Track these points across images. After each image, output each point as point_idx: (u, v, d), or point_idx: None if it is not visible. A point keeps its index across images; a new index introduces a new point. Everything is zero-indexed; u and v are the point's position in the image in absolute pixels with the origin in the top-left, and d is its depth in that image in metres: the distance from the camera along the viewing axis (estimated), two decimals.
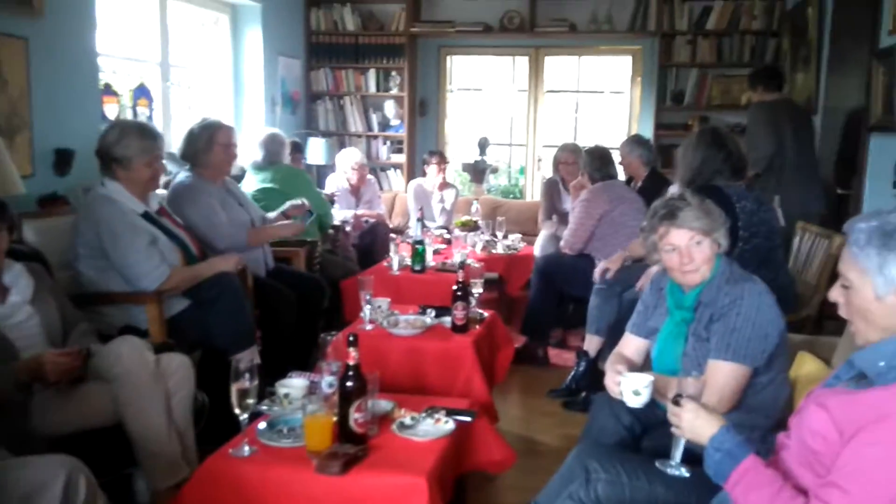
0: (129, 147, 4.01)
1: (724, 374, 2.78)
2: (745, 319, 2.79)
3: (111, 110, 5.43)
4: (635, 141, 6.32)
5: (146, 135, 4.11)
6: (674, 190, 4.70)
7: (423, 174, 7.71)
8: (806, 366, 3.09)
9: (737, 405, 2.81)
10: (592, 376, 4.91)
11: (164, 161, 4.41)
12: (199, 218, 4.64)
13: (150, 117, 5.93)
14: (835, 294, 2.05)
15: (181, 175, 4.87)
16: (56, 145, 4.72)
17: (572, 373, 5.11)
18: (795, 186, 5.55)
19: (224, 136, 4.86)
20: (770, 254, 4.23)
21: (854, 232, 1.96)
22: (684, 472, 2.45)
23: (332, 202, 6.87)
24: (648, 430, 2.97)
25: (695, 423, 2.24)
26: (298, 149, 7.06)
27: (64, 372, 2.98)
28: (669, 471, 2.47)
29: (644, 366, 3.16)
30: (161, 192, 4.62)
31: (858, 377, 2.00)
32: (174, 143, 6.27)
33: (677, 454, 2.46)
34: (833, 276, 2.34)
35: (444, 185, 7.61)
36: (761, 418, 2.83)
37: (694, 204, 2.92)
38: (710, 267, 2.92)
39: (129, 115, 5.66)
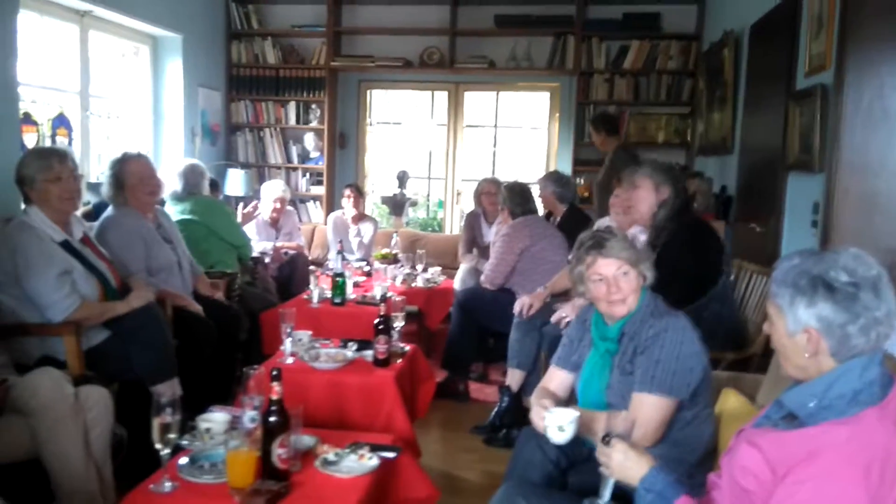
0: (29, 166, 3.94)
1: (648, 407, 2.79)
2: (669, 352, 2.81)
3: (30, 139, 5.34)
4: (551, 178, 6.42)
5: (45, 154, 4.02)
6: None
7: (342, 207, 7.70)
8: (730, 402, 3.10)
9: (662, 438, 2.82)
10: (516, 411, 4.92)
11: (83, 189, 4.30)
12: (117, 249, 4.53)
13: (69, 147, 5.80)
14: (766, 326, 2.11)
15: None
16: None
17: (496, 408, 5.06)
18: None
19: (135, 169, 4.76)
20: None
21: (777, 269, 2.03)
22: None
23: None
24: (575, 464, 2.96)
25: (625, 464, 2.25)
26: (215, 186, 6.97)
27: None
28: None
29: (570, 400, 3.16)
30: (91, 223, 4.51)
31: (789, 417, 2.01)
32: (93, 172, 6.18)
33: (606, 493, 2.40)
34: None
35: (361, 218, 7.57)
36: (686, 453, 2.84)
37: (619, 236, 3.00)
38: (636, 298, 2.96)
39: (48, 145, 5.54)
